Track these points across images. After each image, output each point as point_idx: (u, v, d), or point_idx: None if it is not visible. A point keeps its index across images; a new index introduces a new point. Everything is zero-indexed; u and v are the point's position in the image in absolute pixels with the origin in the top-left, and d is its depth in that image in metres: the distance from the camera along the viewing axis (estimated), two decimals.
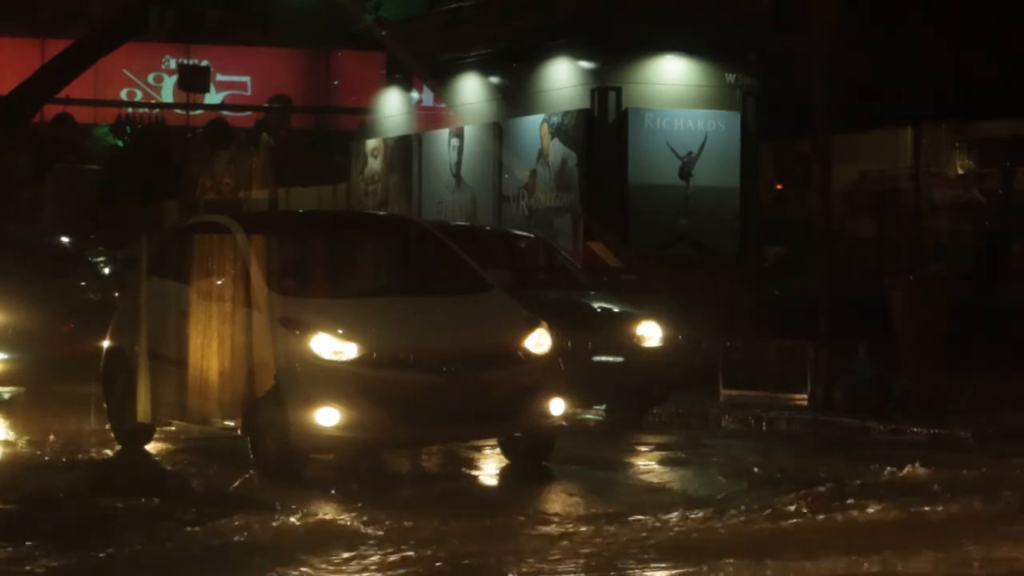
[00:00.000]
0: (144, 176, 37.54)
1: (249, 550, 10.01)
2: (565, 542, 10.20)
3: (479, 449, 14.26)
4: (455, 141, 26.59)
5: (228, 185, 38.62)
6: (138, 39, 26.49)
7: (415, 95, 29.56)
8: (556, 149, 24.09)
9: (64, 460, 14.04)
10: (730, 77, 24.14)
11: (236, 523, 10.67)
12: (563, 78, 24.76)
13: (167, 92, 34.42)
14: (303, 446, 12.61)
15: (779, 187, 25.87)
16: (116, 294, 16.88)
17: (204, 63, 32.97)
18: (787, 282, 23.17)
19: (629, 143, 23.46)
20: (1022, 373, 17.66)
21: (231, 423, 13.44)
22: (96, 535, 10.27)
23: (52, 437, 15.20)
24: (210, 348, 13.54)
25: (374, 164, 29.16)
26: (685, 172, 23.60)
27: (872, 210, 23.99)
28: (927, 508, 11.17)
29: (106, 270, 22.54)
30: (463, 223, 22.08)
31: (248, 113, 35.09)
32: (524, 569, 9.54)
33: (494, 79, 26.34)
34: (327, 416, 12.34)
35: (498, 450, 13.82)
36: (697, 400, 17.06)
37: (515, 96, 25.71)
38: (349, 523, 10.79)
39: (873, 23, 21.82)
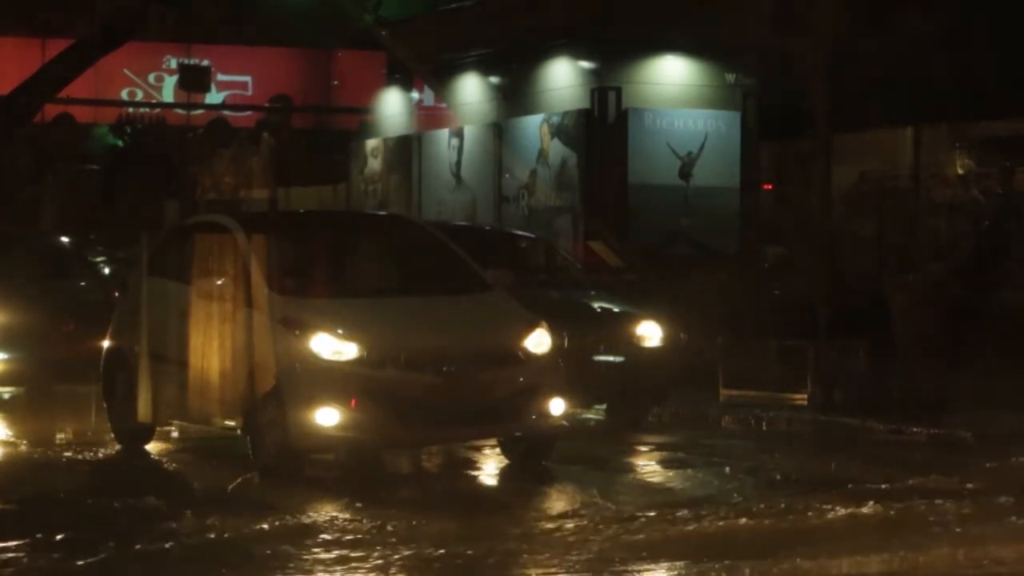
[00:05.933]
0: (144, 176, 37.54)
1: (248, 550, 10.02)
2: (565, 542, 10.21)
3: (479, 449, 14.26)
4: (455, 141, 26.60)
5: (228, 185, 38.60)
6: (138, 39, 26.50)
7: (415, 95, 29.61)
8: (556, 149, 24.11)
9: (64, 460, 14.04)
10: (730, 77, 24.19)
11: (236, 523, 10.68)
12: (563, 78, 24.79)
13: (168, 92, 34.46)
14: (303, 446, 12.62)
15: (768, 187, 25.86)
16: (116, 294, 16.85)
17: (205, 63, 33.01)
18: (787, 282, 23.15)
19: (629, 143, 23.50)
20: (1022, 373, 17.66)
21: (232, 423, 13.44)
22: (96, 535, 10.27)
23: (52, 437, 15.20)
24: (210, 348, 13.54)
25: (374, 164, 29.18)
26: (685, 172, 23.63)
27: (872, 210, 23.99)
28: (928, 508, 11.18)
29: (106, 270, 22.49)
30: (463, 223, 22.09)
31: (248, 113, 35.14)
32: (524, 569, 9.55)
33: (494, 79, 26.37)
34: (327, 416, 12.34)
35: (498, 450, 13.82)
36: (697, 400, 17.04)
37: (515, 96, 25.75)
38: (349, 523, 10.79)
39: (873, 23, 21.82)
